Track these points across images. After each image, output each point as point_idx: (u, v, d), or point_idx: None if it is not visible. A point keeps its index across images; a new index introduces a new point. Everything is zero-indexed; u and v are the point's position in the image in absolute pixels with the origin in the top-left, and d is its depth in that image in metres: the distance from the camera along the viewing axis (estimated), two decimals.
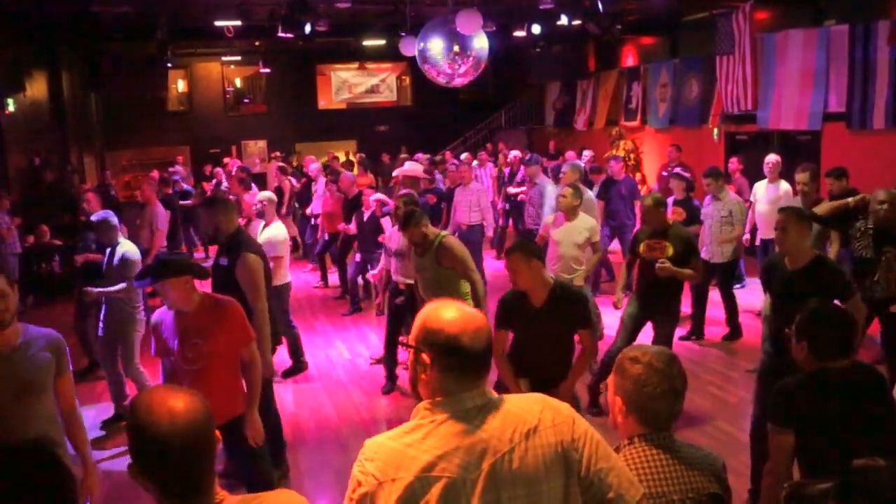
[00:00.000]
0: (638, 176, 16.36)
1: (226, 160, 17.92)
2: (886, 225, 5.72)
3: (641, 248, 6.30)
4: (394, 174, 11.25)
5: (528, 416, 2.04)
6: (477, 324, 2.06)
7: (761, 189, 9.17)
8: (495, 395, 2.09)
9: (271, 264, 6.45)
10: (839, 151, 11.00)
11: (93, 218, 6.95)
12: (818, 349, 3.24)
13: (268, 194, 8.24)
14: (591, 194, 9.36)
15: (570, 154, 14.81)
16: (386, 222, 9.21)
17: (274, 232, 7.62)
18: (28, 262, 11.23)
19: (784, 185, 8.96)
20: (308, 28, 12.63)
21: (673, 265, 6.04)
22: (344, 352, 8.62)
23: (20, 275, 10.91)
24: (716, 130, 14.29)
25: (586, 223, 7.29)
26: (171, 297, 4.18)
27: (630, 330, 6.34)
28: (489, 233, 10.61)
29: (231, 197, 9.25)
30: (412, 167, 11.23)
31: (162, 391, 1.88)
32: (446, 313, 2.08)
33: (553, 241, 7.37)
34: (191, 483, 1.84)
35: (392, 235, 7.35)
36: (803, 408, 3.15)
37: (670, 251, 6.09)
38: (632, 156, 16.60)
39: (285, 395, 7.48)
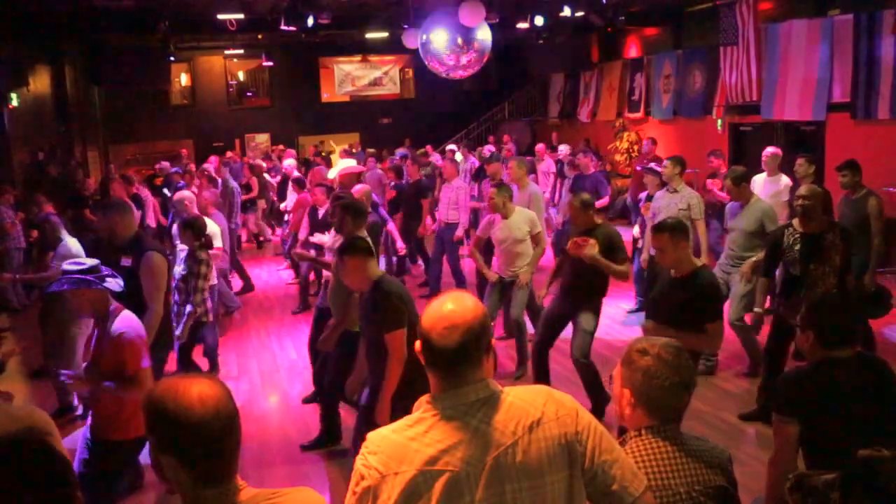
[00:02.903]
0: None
1: (228, 154, 17.97)
2: (809, 231, 5.76)
3: (569, 245, 6.18)
4: (330, 176, 11.01)
5: (531, 408, 2.04)
6: (452, 321, 2.04)
7: (759, 183, 8.62)
8: (499, 388, 2.09)
9: None
10: (843, 142, 10.97)
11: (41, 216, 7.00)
12: (823, 338, 3.23)
13: (187, 194, 8.18)
14: (535, 188, 9.13)
15: (539, 147, 14.71)
16: None
17: None
18: (32, 256, 11.23)
19: (784, 180, 8.76)
20: (311, 21, 12.65)
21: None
22: None
23: (24, 270, 10.93)
24: (720, 121, 14.26)
25: (524, 216, 7.27)
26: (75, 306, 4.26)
27: (547, 326, 6.45)
28: (459, 232, 10.08)
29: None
30: (347, 164, 11.09)
31: (178, 381, 1.87)
32: (433, 306, 2.11)
33: (495, 241, 7.38)
34: (226, 466, 1.86)
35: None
36: (808, 397, 3.15)
37: (596, 249, 5.98)
38: (635, 147, 16.57)
39: (290, 388, 7.49)
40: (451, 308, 2.07)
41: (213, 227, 7.73)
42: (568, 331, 6.40)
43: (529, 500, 1.98)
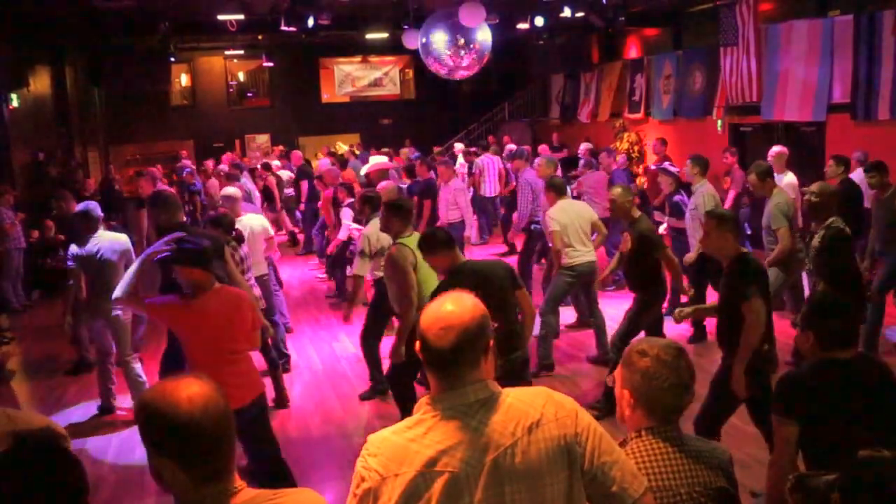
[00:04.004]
0: (641, 168, 16.33)
1: (228, 155, 17.98)
2: (814, 227, 6.04)
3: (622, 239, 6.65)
4: (362, 172, 11.07)
5: (530, 410, 2.04)
6: (448, 322, 2.04)
7: None
8: (498, 389, 2.09)
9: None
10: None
11: (77, 208, 7.06)
12: (823, 339, 3.23)
13: (232, 190, 8.19)
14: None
15: (542, 148, 14.84)
16: (345, 219, 9.24)
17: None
18: (33, 257, 11.25)
19: (789, 177, 8.81)
20: (311, 21, 12.65)
21: (632, 259, 6.39)
22: (349, 345, 8.62)
23: (25, 270, 10.95)
24: (720, 122, 14.25)
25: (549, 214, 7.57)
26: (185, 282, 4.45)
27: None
28: (467, 231, 10.26)
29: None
30: (379, 160, 11.14)
31: (168, 382, 1.89)
32: (432, 307, 2.12)
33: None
34: (222, 463, 1.87)
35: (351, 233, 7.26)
36: (808, 398, 3.14)
37: (629, 244, 6.37)
38: (635, 148, 16.57)
39: (291, 388, 7.48)
40: (449, 309, 2.07)
41: (250, 223, 7.73)
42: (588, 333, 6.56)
43: (529, 502, 1.98)
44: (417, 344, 2.10)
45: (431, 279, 5.48)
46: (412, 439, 2.00)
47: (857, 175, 8.61)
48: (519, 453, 1.99)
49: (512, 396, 2.08)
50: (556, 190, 7.63)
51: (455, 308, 2.07)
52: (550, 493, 2.00)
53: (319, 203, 11.73)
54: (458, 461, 1.96)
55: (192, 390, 1.84)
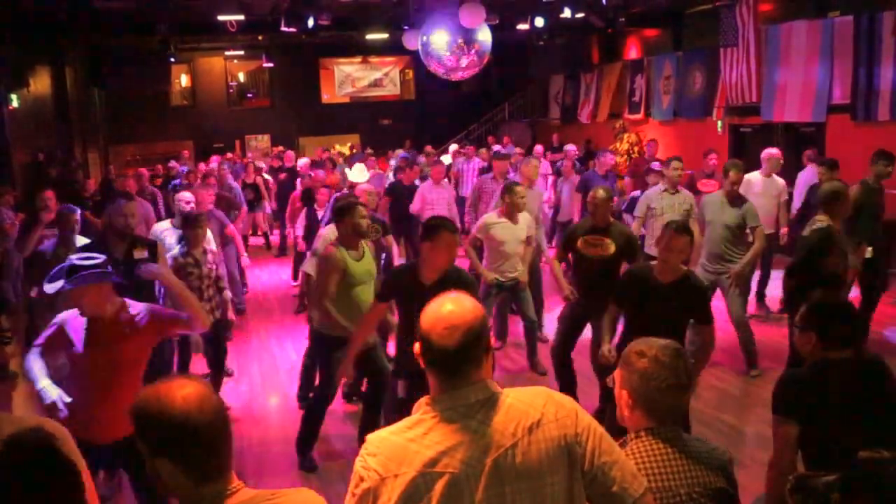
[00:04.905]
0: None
1: (228, 155, 17.97)
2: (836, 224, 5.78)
3: (579, 243, 6.01)
4: (350, 178, 11.09)
5: (530, 410, 2.04)
6: (451, 322, 2.04)
7: (756, 182, 8.47)
8: (498, 389, 2.09)
9: None
10: (843, 143, 10.98)
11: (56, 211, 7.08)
12: (826, 340, 3.23)
13: (186, 195, 8.15)
14: (536, 188, 9.13)
15: (537, 149, 14.88)
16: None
17: None
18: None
19: (779, 181, 8.72)
20: (311, 22, 12.67)
21: (614, 262, 5.91)
22: None
23: (25, 270, 10.92)
24: (720, 123, 14.26)
25: (527, 218, 7.18)
26: (85, 302, 3.83)
27: (567, 328, 6.24)
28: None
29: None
30: (360, 172, 11.13)
31: (160, 385, 1.90)
32: (432, 308, 2.11)
33: (497, 240, 7.09)
34: (220, 461, 1.88)
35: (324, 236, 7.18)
36: (808, 398, 3.14)
37: (612, 248, 5.88)
38: (636, 148, 16.57)
39: (290, 390, 7.48)
40: (450, 309, 2.07)
41: None
42: (586, 334, 6.29)
43: (529, 502, 1.98)
44: (417, 346, 2.10)
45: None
46: (412, 439, 2.00)
47: (810, 172, 8.69)
48: (519, 454, 1.98)
49: (512, 397, 2.08)
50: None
51: (456, 308, 2.08)
52: (551, 493, 2.00)
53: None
54: (458, 462, 1.96)
55: (186, 390, 1.86)
